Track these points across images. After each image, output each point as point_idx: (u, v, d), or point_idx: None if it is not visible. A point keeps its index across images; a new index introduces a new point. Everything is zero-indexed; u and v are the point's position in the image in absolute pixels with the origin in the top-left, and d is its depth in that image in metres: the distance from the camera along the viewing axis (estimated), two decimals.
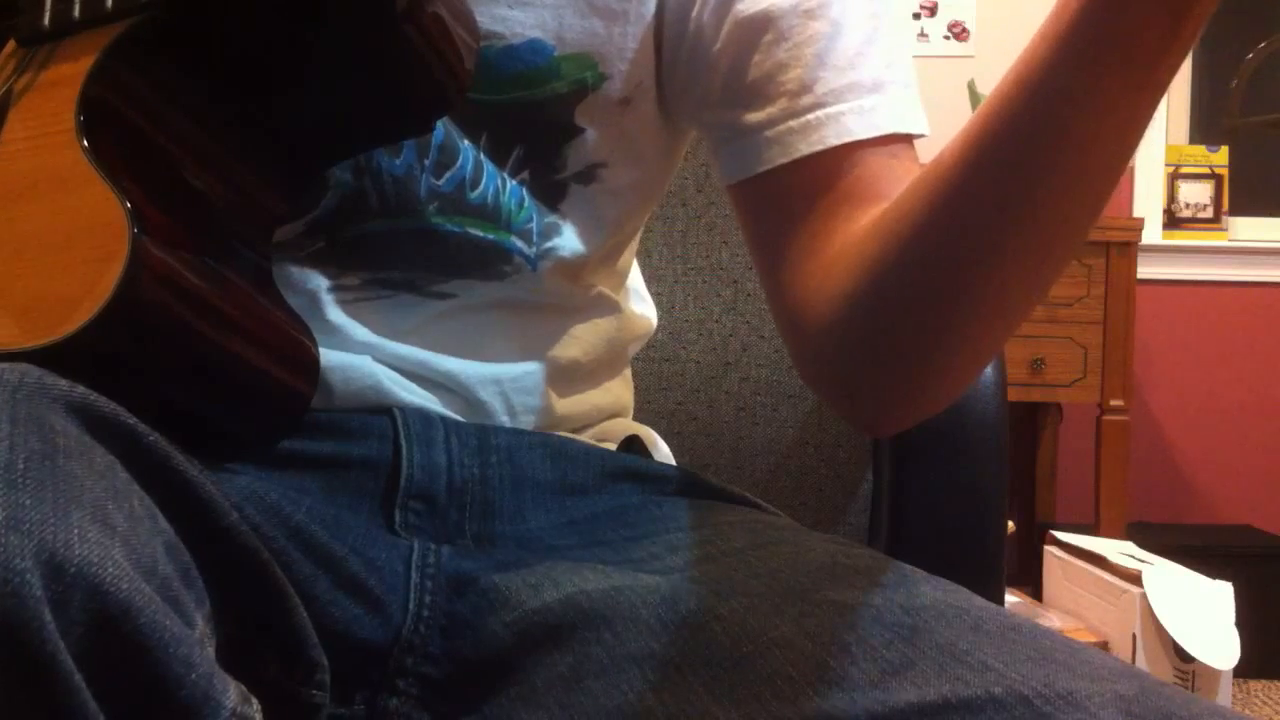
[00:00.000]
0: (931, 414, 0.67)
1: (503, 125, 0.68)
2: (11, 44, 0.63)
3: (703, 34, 0.69)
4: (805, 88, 0.67)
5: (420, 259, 0.68)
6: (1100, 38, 0.50)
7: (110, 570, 0.41)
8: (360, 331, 0.67)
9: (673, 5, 0.69)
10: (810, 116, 0.66)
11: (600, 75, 0.69)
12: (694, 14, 0.69)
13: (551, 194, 0.71)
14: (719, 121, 0.70)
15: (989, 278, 0.58)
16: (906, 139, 0.68)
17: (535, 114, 0.68)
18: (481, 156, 0.68)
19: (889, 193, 0.64)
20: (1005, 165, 0.55)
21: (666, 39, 0.70)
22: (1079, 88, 0.51)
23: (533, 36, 0.67)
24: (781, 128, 0.67)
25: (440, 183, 0.67)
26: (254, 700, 0.47)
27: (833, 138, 0.66)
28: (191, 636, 0.44)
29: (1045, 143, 0.53)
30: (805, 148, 0.67)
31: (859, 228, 0.64)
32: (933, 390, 0.65)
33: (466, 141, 0.68)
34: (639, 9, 0.69)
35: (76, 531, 0.41)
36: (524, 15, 0.67)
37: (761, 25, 0.67)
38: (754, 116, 0.68)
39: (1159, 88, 0.51)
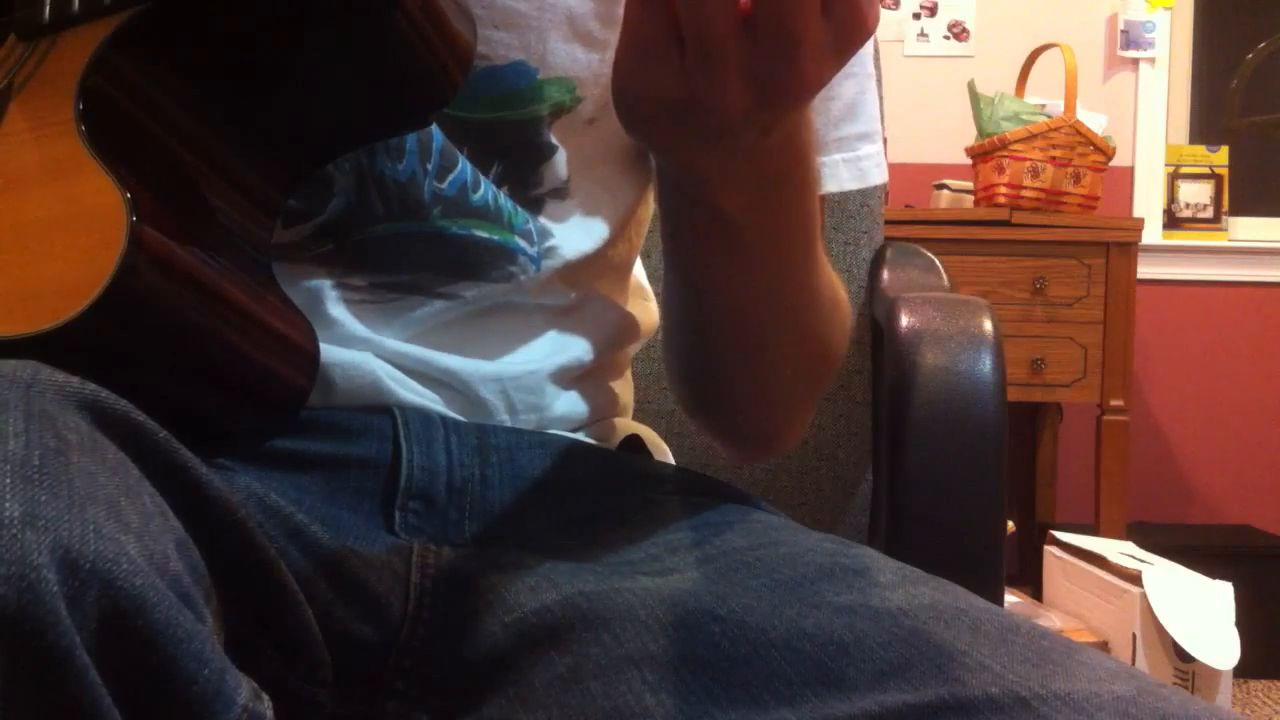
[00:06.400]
0: (782, 452, 0.75)
1: (483, 142, 0.69)
2: (11, 38, 0.63)
3: None
4: None
5: (428, 262, 0.68)
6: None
7: (124, 566, 0.41)
8: (361, 329, 0.68)
9: None
10: None
11: (576, 98, 0.70)
12: None
13: (530, 207, 0.72)
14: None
15: (748, 359, 0.67)
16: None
17: (516, 134, 0.69)
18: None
19: None
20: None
21: None
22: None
23: (516, 59, 0.68)
24: None
25: (443, 186, 0.68)
26: (265, 697, 0.47)
27: None
28: (203, 632, 0.44)
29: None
30: None
31: None
32: (763, 434, 0.73)
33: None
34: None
35: (92, 527, 0.41)
36: (508, 37, 0.68)
37: None
38: None
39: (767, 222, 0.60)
